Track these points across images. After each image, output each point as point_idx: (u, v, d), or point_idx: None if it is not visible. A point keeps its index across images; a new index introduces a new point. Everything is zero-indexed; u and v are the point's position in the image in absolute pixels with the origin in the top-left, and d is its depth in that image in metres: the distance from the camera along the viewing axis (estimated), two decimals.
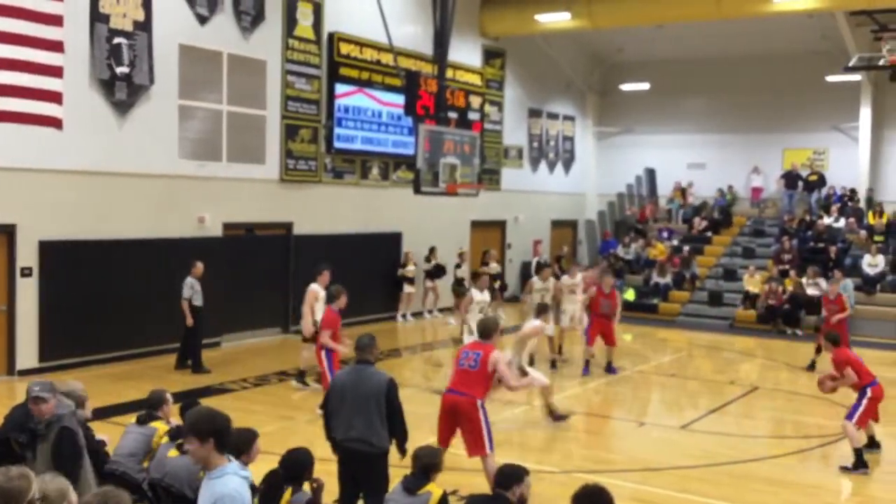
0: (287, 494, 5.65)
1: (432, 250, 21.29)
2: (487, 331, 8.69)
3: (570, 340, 16.42)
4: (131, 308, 14.90)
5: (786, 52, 24.95)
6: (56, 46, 13.69)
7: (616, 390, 14.37)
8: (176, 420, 7.35)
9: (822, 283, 20.83)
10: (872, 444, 10.60)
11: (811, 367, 15.61)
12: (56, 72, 13.73)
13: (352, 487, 6.94)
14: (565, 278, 16.09)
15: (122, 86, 14.70)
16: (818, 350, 15.47)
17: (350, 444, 6.82)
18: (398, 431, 6.99)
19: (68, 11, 13.84)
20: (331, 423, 7.04)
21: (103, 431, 8.00)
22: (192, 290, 14.22)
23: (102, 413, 10.19)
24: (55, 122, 13.78)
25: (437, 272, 21.24)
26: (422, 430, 11.01)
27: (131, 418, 7.55)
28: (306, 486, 5.91)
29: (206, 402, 7.45)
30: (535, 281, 15.73)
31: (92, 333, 14.39)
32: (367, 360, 7.08)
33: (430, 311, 21.55)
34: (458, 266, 21.37)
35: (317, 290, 13.30)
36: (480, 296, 14.28)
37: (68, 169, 14.09)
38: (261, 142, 17.38)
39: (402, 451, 7.03)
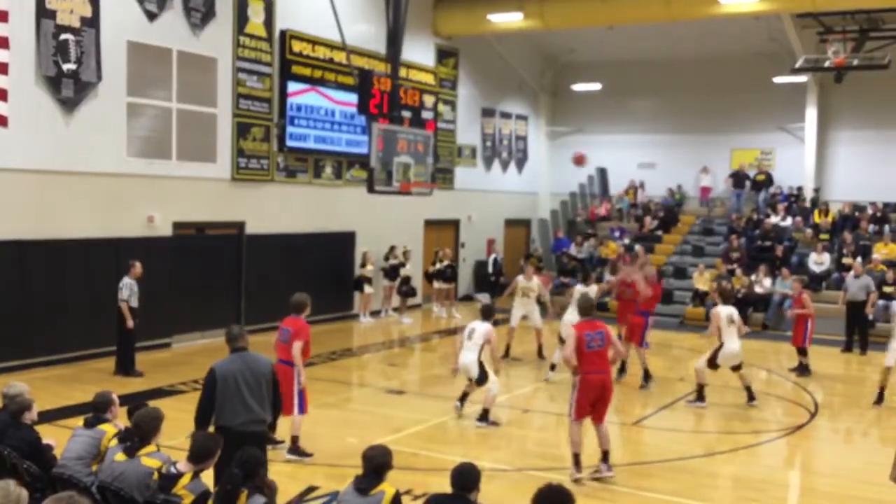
0: (243, 498, 5.58)
1: (391, 249, 21.25)
2: (591, 307, 9.71)
3: (521, 340, 16.55)
4: (78, 309, 14.64)
5: (734, 54, 25.33)
6: (1, 42, 13.41)
7: (568, 388, 14.43)
8: (123, 423, 7.23)
9: (767, 282, 21.21)
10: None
11: (801, 370, 15.61)
12: (1, 68, 13.44)
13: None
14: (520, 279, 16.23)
15: (69, 83, 14.44)
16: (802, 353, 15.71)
17: (249, 427, 7.24)
18: (277, 408, 7.71)
19: (13, 7, 13.56)
20: (215, 412, 7.29)
21: (50, 434, 7.86)
22: (130, 291, 13.81)
23: (48, 416, 10.01)
24: (0, 120, 13.49)
25: (394, 271, 21.20)
26: (379, 429, 11.03)
27: (78, 421, 7.41)
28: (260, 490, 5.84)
29: (157, 405, 7.34)
30: (520, 279, 16.13)
31: (37, 335, 14.10)
32: (244, 347, 7.54)
33: (386, 311, 21.50)
34: (402, 265, 21.31)
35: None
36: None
37: (13, 167, 13.80)
38: (211, 140, 17.18)
39: (274, 427, 7.88)
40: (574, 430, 9.31)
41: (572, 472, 9.17)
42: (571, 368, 9.37)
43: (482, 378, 11.76)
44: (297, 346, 9.64)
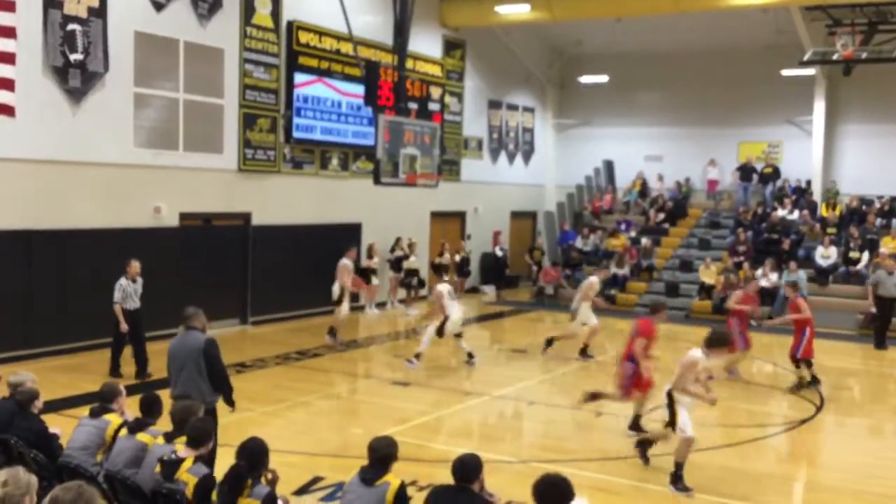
0: (247, 487, 5.61)
1: (397, 241, 21.25)
2: None
3: (527, 332, 16.53)
4: (84, 299, 14.64)
5: (742, 47, 25.23)
6: (8, 33, 13.40)
7: (574, 380, 14.46)
8: (133, 413, 7.26)
9: (774, 276, 21.14)
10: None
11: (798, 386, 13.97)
12: (8, 58, 13.44)
13: None
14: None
15: (76, 73, 14.45)
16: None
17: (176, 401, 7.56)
18: (221, 386, 7.94)
19: None
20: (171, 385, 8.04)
21: (56, 424, 7.89)
22: (123, 293, 13.10)
23: (54, 406, 10.04)
24: (7, 110, 13.49)
25: (398, 263, 21.23)
26: (384, 420, 11.05)
27: (84, 411, 7.44)
28: (262, 480, 5.87)
29: (161, 394, 7.37)
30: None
31: (44, 324, 14.15)
32: (194, 326, 8.05)
33: (392, 302, 21.53)
34: (406, 257, 21.32)
35: None
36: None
37: (20, 157, 13.82)
38: (218, 131, 17.18)
39: (230, 403, 8.06)
40: None
41: None
42: None
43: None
44: (639, 343, 10.90)
